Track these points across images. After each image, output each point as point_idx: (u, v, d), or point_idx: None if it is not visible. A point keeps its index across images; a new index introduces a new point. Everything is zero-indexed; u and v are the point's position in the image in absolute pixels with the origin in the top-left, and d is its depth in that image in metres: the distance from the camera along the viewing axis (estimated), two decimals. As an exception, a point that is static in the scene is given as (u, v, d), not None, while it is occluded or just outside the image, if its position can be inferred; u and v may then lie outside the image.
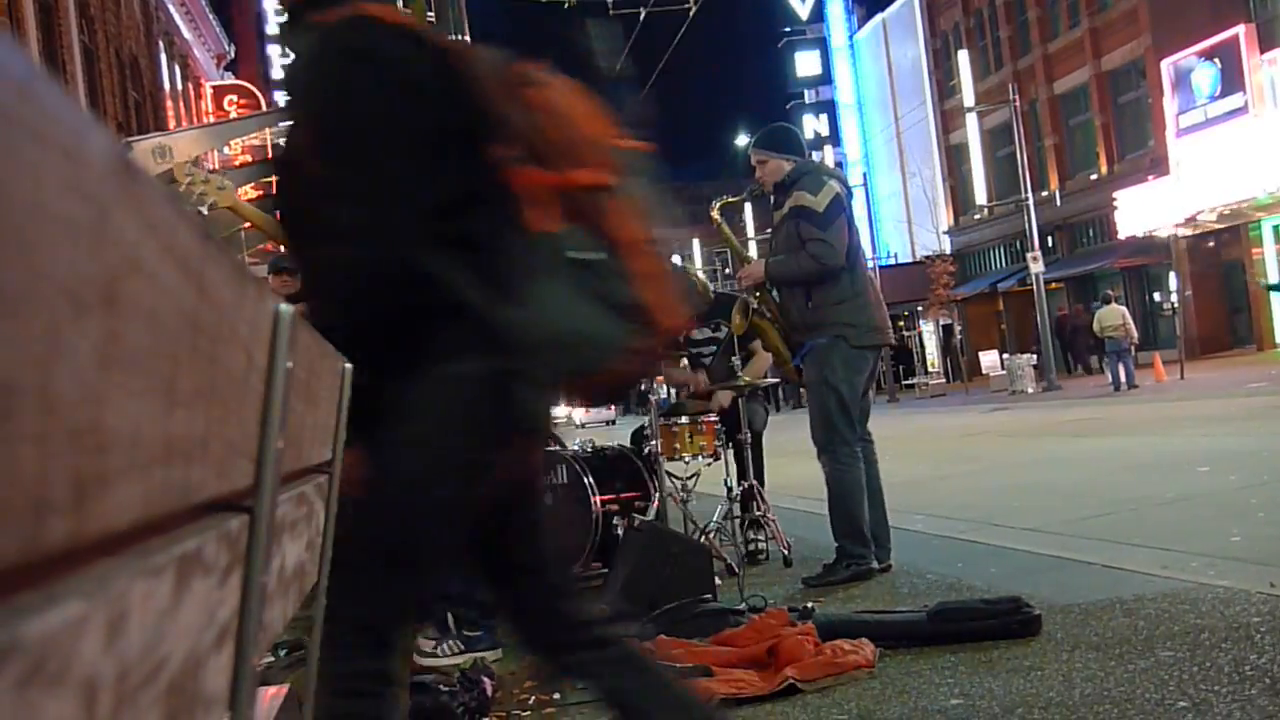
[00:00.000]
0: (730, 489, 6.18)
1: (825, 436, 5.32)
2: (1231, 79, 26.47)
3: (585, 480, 5.93)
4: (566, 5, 18.02)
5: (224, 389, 0.72)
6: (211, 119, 26.46)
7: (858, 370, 5.31)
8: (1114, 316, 22.09)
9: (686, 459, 6.19)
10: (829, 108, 49.04)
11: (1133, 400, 17.80)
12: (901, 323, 38.47)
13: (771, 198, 5.58)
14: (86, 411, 0.46)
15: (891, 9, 45.67)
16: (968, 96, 31.62)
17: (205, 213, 5.19)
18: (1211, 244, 29.31)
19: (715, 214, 6.03)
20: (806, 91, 50.34)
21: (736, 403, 6.26)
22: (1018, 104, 29.01)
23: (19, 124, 0.39)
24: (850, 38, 49.72)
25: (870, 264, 7.65)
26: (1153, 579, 4.31)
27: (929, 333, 41.12)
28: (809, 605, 4.29)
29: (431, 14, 8.44)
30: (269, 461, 0.87)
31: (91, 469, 0.47)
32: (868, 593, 4.86)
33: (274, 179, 2.38)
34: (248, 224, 5.62)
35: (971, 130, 33.16)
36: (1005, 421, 16.97)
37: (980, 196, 34.17)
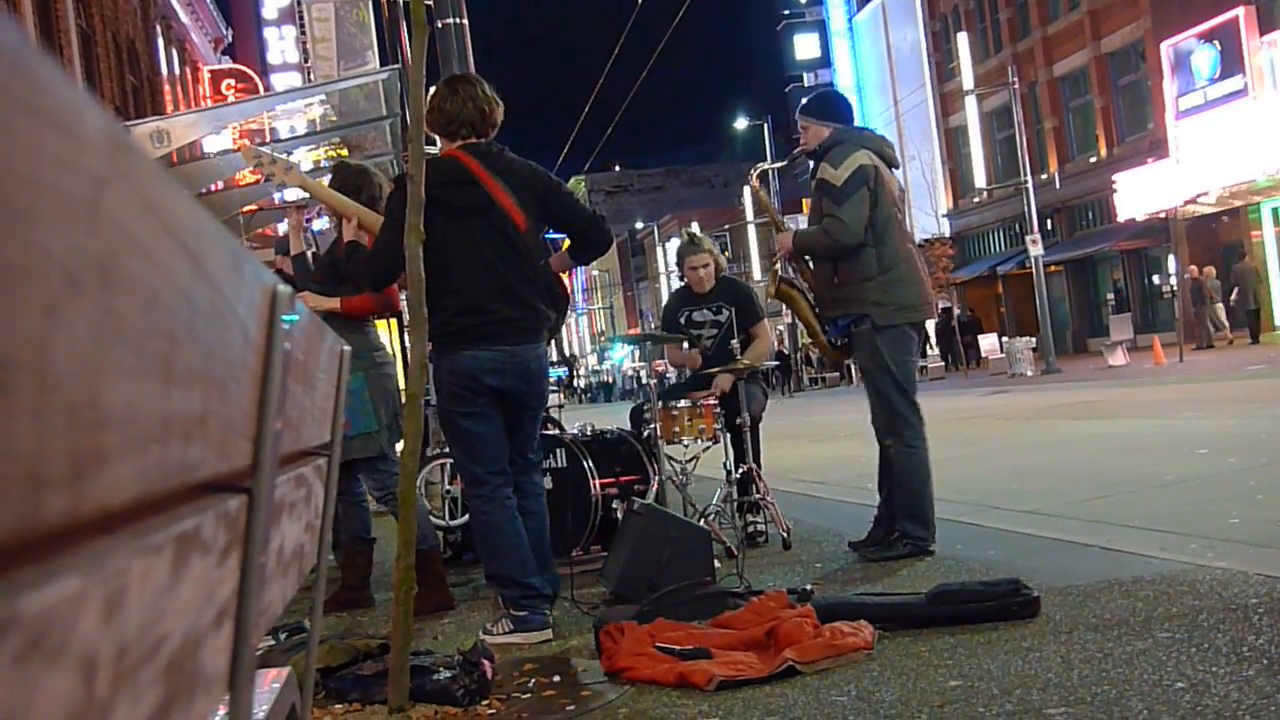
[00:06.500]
0: (729, 472, 6.18)
1: (887, 421, 5.28)
2: (1231, 61, 26.37)
3: (584, 464, 5.95)
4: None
5: (221, 369, 0.72)
6: (209, 103, 26.35)
7: (904, 349, 5.25)
8: None
9: (685, 442, 6.19)
10: (828, 91, 48.76)
11: (1132, 383, 17.79)
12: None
13: (811, 164, 5.48)
14: (83, 388, 0.46)
15: (890, -9, 45.51)
16: (967, 79, 31.52)
17: (283, 196, 5.16)
18: (1211, 226, 29.25)
19: (754, 180, 6.02)
20: (805, 74, 50.23)
21: (736, 386, 6.25)
22: (1017, 86, 28.92)
23: (15, 99, 0.39)
24: (849, 20, 49.56)
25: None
26: (1151, 561, 4.32)
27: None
28: (808, 587, 4.30)
29: (429, -2, 8.38)
30: (267, 442, 0.87)
31: (88, 446, 0.47)
32: (867, 575, 4.87)
33: None
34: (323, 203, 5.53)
35: (971, 113, 33.02)
36: (1005, 404, 16.97)
37: (979, 179, 34.07)
